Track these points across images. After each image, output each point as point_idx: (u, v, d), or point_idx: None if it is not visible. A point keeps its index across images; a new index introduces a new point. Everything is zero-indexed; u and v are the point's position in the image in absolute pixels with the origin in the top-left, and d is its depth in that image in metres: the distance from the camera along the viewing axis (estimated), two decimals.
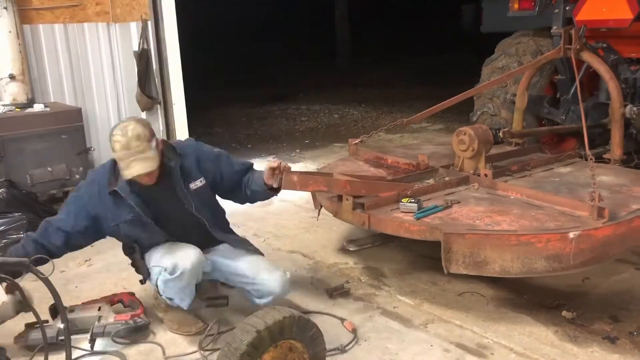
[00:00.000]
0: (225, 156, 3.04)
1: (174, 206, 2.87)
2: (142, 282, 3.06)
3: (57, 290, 1.98)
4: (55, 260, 3.86)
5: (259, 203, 3.92)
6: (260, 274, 2.93)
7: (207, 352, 2.81)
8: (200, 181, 2.90)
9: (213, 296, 3.18)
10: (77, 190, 2.93)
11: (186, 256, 2.82)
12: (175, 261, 2.78)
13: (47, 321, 2.91)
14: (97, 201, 2.81)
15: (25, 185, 4.46)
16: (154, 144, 2.67)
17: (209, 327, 2.93)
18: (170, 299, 2.90)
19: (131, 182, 2.73)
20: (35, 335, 2.74)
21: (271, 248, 4.12)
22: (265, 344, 2.24)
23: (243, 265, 2.98)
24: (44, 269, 2.14)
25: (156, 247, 2.92)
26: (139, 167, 2.59)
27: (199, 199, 2.89)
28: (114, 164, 2.81)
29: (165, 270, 2.78)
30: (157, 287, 2.88)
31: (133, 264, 3.05)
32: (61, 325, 2.84)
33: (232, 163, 3.04)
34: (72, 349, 2.83)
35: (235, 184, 3.03)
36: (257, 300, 2.95)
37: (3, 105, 4.68)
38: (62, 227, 2.81)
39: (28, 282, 2.93)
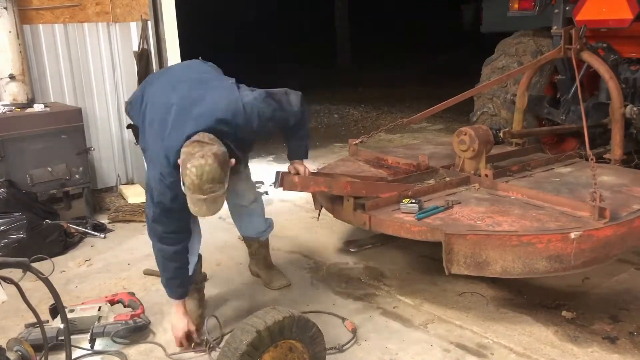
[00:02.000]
0: (278, 120, 2.83)
1: None
2: None
3: (57, 290, 1.97)
4: (55, 260, 3.90)
5: None
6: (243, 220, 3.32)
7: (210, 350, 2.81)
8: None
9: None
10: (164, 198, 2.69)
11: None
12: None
13: (47, 321, 2.92)
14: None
15: (25, 185, 4.46)
16: (226, 184, 2.51)
17: (205, 320, 2.94)
18: None
19: None
20: (35, 335, 2.74)
21: (271, 248, 4.11)
22: (265, 344, 2.24)
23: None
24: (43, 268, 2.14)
25: None
26: (205, 209, 2.48)
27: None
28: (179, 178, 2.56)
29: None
30: None
31: None
32: (61, 325, 2.86)
33: (284, 123, 2.90)
34: (72, 348, 2.84)
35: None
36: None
37: (3, 105, 4.68)
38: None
39: (28, 282, 2.94)
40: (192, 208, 2.50)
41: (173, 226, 2.75)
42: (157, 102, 2.75)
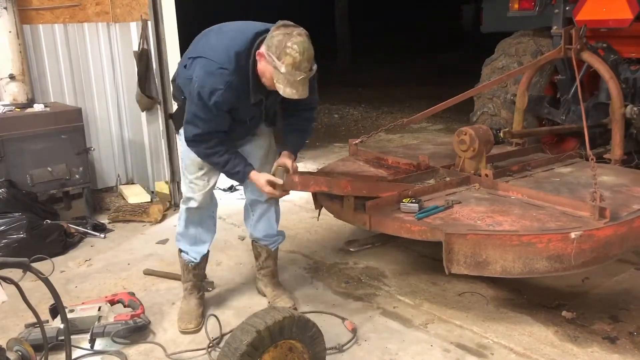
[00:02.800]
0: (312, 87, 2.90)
1: (261, 112, 2.96)
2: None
3: (57, 290, 1.97)
4: (55, 260, 3.90)
5: None
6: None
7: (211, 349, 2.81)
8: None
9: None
10: (215, 100, 2.69)
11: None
12: (186, 193, 3.07)
13: (47, 321, 2.92)
14: (236, 103, 2.76)
15: (25, 185, 4.46)
16: (315, 66, 2.67)
17: (205, 319, 3.00)
18: (185, 252, 3.18)
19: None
20: (35, 335, 2.74)
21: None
22: (265, 344, 2.24)
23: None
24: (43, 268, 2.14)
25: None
26: (301, 90, 2.61)
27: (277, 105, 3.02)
28: (254, 67, 2.68)
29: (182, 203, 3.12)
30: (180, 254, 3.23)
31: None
32: (61, 325, 2.86)
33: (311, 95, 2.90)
34: (72, 349, 2.84)
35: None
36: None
37: (3, 105, 4.68)
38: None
39: (28, 282, 2.94)
40: (289, 91, 2.58)
41: (211, 130, 2.79)
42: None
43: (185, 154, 3.03)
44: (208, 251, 3.27)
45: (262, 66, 2.67)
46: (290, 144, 3.09)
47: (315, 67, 2.65)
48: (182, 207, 3.16)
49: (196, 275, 3.24)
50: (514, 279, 3.19)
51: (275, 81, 2.62)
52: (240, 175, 2.92)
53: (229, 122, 2.84)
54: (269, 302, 3.28)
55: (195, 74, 2.72)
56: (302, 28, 2.63)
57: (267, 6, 18.20)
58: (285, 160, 3.01)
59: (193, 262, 3.19)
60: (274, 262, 3.41)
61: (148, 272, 3.74)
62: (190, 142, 2.86)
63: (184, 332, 3.03)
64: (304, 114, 3.10)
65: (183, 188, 3.19)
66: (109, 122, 5.56)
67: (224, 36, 2.82)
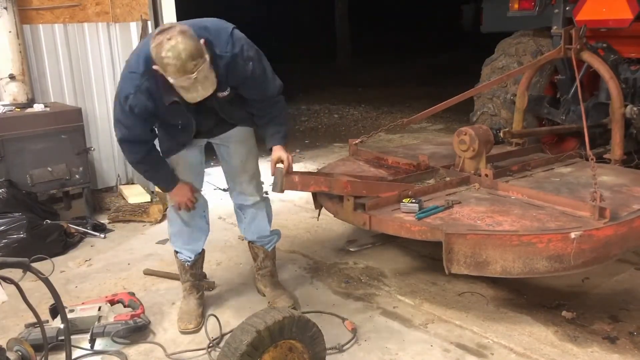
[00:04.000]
0: (254, 79, 2.78)
1: (206, 109, 2.80)
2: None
3: (57, 290, 1.97)
4: (55, 260, 3.90)
5: None
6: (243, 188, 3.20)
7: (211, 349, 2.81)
8: (227, 91, 2.75)
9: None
10: (129, 103, 2.68)
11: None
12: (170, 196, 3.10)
13: (47, 321, 2.92)
14: (152, 107, 2.68)
15: (25, 185, 4.46)
16: (207, 56, 2.45)
17: (205, 319, 3.01)
18: (179, 251, 3.23)
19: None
20: (35, 335, 2.74)
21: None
22: (265, 344, 2.23)
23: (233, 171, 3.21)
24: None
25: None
26: (201, 91, 2.46)
27: (228, 104, 2.86)
28: (154, 72, 2.53)
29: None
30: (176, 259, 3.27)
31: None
32: (61, 325, 2.86)
33: (259, 90, 2.87)
34: (73, 348, 2.84)
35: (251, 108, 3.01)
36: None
37: (3, 105, 4.68)
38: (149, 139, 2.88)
39: (28, 282, 2.94)
40: (190, 95, 2.49)
41: (134, 139, 2.82)
42: None
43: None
44: (203, 250, 3.29)
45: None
46: (271, 137, 2.98)
47: (202, 60, 2.41)
48: (170, 208, 3.20)
49: (194, 275, 3.25)
50: (514, 279, 3.19)
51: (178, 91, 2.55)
52: (166, 189, 3.03)
53: (151, 132, 2.85)
54: (268, 303, 3.28)
55: None
56: (175, 27, 2.43)
57: (267, 6, 18.26)
58: (278, 154, 2.93)
59: (189, 261, 3.22)
60: (272, 262, 3.41)
61: (148, 272, 3.74)
62: (120, 145, 2.91)
63: (183, 332, 3.03)
64: (267, 102, 2.93)
65: None
66: (109, 122, 5.55)
67: (142, 41, 2.85)
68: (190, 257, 3.22)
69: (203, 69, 2.42)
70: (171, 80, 2.45)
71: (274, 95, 2.93)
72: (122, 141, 2.85)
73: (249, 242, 3.39)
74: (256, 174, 3.26)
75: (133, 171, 5.74)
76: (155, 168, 2.95)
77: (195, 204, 3.07)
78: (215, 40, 2.62)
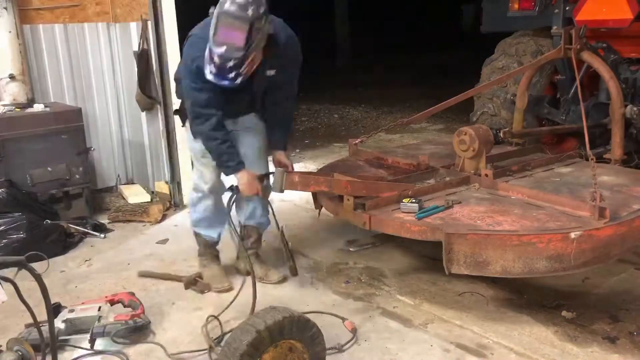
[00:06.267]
0: (295, 69, 3.25)
1: (247, 84, 2.96)
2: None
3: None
4: (55, 260, 3.90)
5: None
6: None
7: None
8: (275, 72, 3.10)
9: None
10: (194, 66, 2.89)
11: (201, 176, 3.32)
12: (195, 180, 3.37)
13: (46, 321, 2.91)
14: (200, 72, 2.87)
15: (25, 185, 4.46)
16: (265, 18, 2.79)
17: (240, 287, 3.14)
18: (199, 233, 3.53)
19: None
20: (35, 335, 2.74)
21: (271, 248, 4.11)
22: (265, 344, 2.24)
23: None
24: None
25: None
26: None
27: (268, 85, 3.17)
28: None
29: (193, 192, 3.43)
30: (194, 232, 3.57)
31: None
32: (61, 325, 2.86)
33: (290, 84, 3.29)
34: (73, 348, 2.84)
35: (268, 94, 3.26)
36: None
37: (3, 105, 4.67)
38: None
39: (29, 282, 2.93)
40: None
41: (207, 103, 2.96)
42: None
43: (192, 144, 3.27)
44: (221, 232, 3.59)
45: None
46: (277, 142, 3.34)
47: (263, 9, 2.72)
48: (195, 195, 3.41)
49: (215, 250, 3.63)
50: (514, 279, 3.19)
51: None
52: (231, 169, 3.13)
53: (220, 96, 2.94)
54: (260, 278, 3.46)
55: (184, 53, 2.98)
56: None
57: (267, 6, 18.23)
58: (281, 159, 3.28)
59: (213, 238, 3.56)
60: (261, 242, 3.74)
61: (143, 274, 3.71)
62: (194, 120, 3.02)
63: (220, 292, 3.37)
64: (284, 104, 3.31)
65: (194, 177, 3.46)
66: (109, 122, 5.56)
67: (205, 20, 2.99)
68: (214, 237, 3.55)
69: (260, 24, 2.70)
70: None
71: (294, 96, 3.35)
72: (195, 106, 2.97)
73: (245, 225, 3.62)
74: (264, 163, 3.46)
75: (133, 171, 5.74)
76: (226, 142, 3.06)
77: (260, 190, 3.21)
78: (275, 24, 2.95)
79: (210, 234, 3.55)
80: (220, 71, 2.71)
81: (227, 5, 2.66)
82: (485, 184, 3.52)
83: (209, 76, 2.77)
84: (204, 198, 3.41)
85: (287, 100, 3.33)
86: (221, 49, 2.65)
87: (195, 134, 3.16)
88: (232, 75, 2.73)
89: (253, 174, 3.16)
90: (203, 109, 2.97)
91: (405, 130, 8.07)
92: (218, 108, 2.99)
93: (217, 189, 3.41)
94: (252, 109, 3.32)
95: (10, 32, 4.68)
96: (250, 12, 2.65)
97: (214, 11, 2.74)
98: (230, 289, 3.40)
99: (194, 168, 3.44)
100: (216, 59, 2.68)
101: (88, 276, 3.77)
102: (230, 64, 2.67)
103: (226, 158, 3.09)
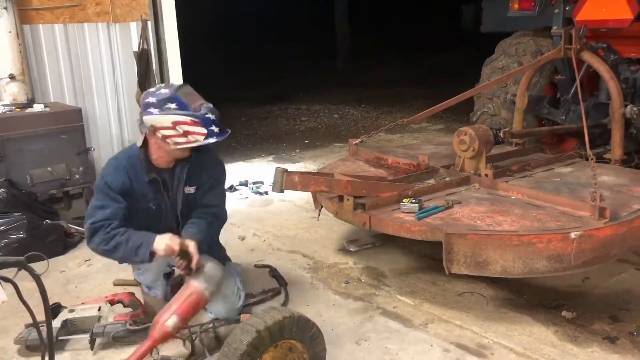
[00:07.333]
0: (214, 190, 3.10)
1: (165, 201, 2.99)
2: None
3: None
4: (55, 260, 3.90)
5: (258, 203, 3.80)
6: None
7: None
8: (194, 189, 3.03)
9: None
10: (105, 179, 2.86)
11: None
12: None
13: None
14: (128, 185, 2.88)
15: (25, 185, 4.45)
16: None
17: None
18: (148, 288, 3.19)
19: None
20: (35, 335, 2.74)
21: (271, 248, 4.11)
22: (265, 344, 2.24)
23: None
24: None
25: None
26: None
27: (185, 204, 3.03)
28: (143, 154, 2.88)
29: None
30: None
31: None
32: (59, 325, 2.86)
33: (211, 197, 3.09)
34: (73, 348, 2.84)
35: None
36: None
37: (3, 105, 4.67)
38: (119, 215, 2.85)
39: (29, 282, 2.93)
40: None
41: (107, 216, 2.81)
42: None
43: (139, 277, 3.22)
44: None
45: (154, 142, 2.82)
46: (190, 234, 2.87)
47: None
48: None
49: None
50: (514, 279, 3.20)
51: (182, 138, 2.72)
52: (144, 246, 2.73)
53: (124, 209, 2.84)
54: None
55: None
56: None
57: (267, 6, 18.26)
58: (188, 242, 2.76)
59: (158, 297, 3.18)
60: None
61: (118, 283, 3.60)
62: (91, 239, 2.79)
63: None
64: (204, 214, 3.02)
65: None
66: (109, 122, 5.56)
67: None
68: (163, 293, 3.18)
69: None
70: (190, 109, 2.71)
71: (214, 212, 3.10)
72: (95, 222, 2.77)
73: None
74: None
75: None
76: (125, 238, 2.76)
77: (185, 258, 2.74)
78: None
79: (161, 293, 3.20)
80: (221, 125, 2.76)
81: (167, 90, 2.73)
82: (485, 184, 3.52)
83: (215, 138, 2.74)
84: (150, 270, 3.10)
85: (207, 212, 3.04)
86: (205, 108, 2.73)
87: (97, 250, 2.83)
88: (222, 125, 2.79)
89: (168, 235, 2.77)
90: (100, 222, 2.78)
91: (405, 130, 8.08)
92: (116, 218, 2.81)
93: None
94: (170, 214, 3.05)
95: (10, 32, 4.68)
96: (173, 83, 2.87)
97: (154, 104, 2.71)
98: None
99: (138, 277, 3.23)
100: (212, 117, 2.72)
101: (88, 276, 3.77)
102: (218, 113, 2.77)
103: (134, 242, 2.74)
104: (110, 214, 2.79)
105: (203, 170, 3.01)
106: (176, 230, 2.96)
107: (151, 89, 2.83)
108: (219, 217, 3.14)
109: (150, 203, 2.95)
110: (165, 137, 2.73)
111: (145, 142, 2.85)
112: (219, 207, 3.12)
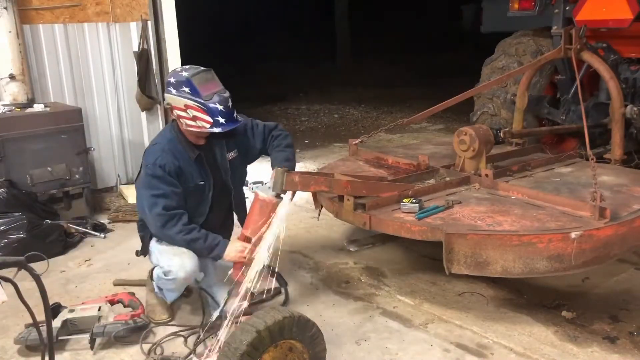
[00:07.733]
0: (251, 126, 3.26)
1: (216, 174, 3.08)
2: (137, 254, 3.28)
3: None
4: (55, 260, 3.90)
5: None
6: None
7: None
8: (235, 152, 3.16)
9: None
10: (158, 163, 2.88)
11: (182, 265, 2.89)
12: (171, 267, 2.90)
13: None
14: (178, 165, 2.94)
15: (25, 185, 4.46)
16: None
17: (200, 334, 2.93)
18: (160, 289, 3.09)
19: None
20: (36, 335, 2.74)
21: (271, 248, 4.11)
22: (265, 344, 2.24)
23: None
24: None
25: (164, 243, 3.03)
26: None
27: (232, 170, 3.15)
28: (180, 134, 2.98)
29: (162, 269, 2.97)
30: (152, 275, 3.15)
31: (142, 238, 3.25)
32: (59, 325, 2.86)
33: (257, 132, 3.26)
34: (73, 348, 2.84)
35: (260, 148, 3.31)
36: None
37: (3, 105, 4.67)
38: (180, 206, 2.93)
39: (29, 282, 2.93)
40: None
41: (172, 204, 2.88)
42: None
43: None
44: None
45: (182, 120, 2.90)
46: (278, 161, 3.15)
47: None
48: (164, 278, 2.98)
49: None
50: (514, 279, 3.19)
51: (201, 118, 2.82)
52: (221, 246, 2.90)
53: (182, 195, 2.92)
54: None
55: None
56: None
57: (267, 6, 18.26)
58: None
59: (166, 300, 3.16)
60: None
61: (118, 283, 3.61)
62: (164, 226, 2.87)
63: (158, 323, 3.09)
64: (277, 137, 3.28)
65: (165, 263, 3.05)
66: (109, 122, 5.56)
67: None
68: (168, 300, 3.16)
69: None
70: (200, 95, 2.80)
71: (275, 128, 3.33)
72: (166, 209, 2.86)
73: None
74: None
75: (133, 171, 5.74)
76: (204, 233, 2.92)
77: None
78: None
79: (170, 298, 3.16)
80: (229, 115, 2.84)
81: (186, 73, 2.84)
82: (485, 184, 3.52)
83: (220, 128, 2.83)
84: (176, 282, 2.97)
85: (274, 137, 3.28)
86: (217, 97, 2.82)
87: (170, 239, 2.94)
88: (235, 114, 2.90)
89: (239, 240, 2.94)
90: (174, 211, 2.87)
91: (405, 130, 8.07)
92: (181, 207, 2.92)
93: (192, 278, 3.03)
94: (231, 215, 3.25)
95: (10, 32, 4.68)
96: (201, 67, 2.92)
97: (173, 84, 2.85)
98: (169, 321, 3.12)
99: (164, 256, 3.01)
100: (220, 107, 2.80)
101: (88, 276, 3.77)
102: (230, 103, 2.85)
103: (211, 238, 2.90)
104: (176, 203, 2.88)
105: (237, 134, 3.10)
106: (228, 200, 3.18)
107: (177, 68, 2.99)
108: (285, 131, 3.34)
109: (199, 180, 3.02)
110: (179, 116, 2.89)
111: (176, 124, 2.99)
112: (276, 127, 3.31)
